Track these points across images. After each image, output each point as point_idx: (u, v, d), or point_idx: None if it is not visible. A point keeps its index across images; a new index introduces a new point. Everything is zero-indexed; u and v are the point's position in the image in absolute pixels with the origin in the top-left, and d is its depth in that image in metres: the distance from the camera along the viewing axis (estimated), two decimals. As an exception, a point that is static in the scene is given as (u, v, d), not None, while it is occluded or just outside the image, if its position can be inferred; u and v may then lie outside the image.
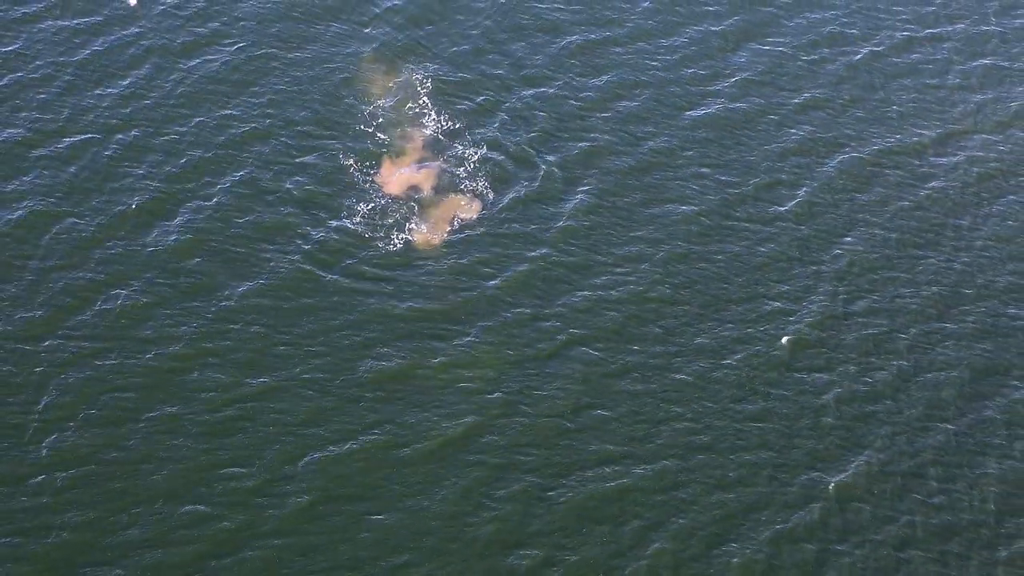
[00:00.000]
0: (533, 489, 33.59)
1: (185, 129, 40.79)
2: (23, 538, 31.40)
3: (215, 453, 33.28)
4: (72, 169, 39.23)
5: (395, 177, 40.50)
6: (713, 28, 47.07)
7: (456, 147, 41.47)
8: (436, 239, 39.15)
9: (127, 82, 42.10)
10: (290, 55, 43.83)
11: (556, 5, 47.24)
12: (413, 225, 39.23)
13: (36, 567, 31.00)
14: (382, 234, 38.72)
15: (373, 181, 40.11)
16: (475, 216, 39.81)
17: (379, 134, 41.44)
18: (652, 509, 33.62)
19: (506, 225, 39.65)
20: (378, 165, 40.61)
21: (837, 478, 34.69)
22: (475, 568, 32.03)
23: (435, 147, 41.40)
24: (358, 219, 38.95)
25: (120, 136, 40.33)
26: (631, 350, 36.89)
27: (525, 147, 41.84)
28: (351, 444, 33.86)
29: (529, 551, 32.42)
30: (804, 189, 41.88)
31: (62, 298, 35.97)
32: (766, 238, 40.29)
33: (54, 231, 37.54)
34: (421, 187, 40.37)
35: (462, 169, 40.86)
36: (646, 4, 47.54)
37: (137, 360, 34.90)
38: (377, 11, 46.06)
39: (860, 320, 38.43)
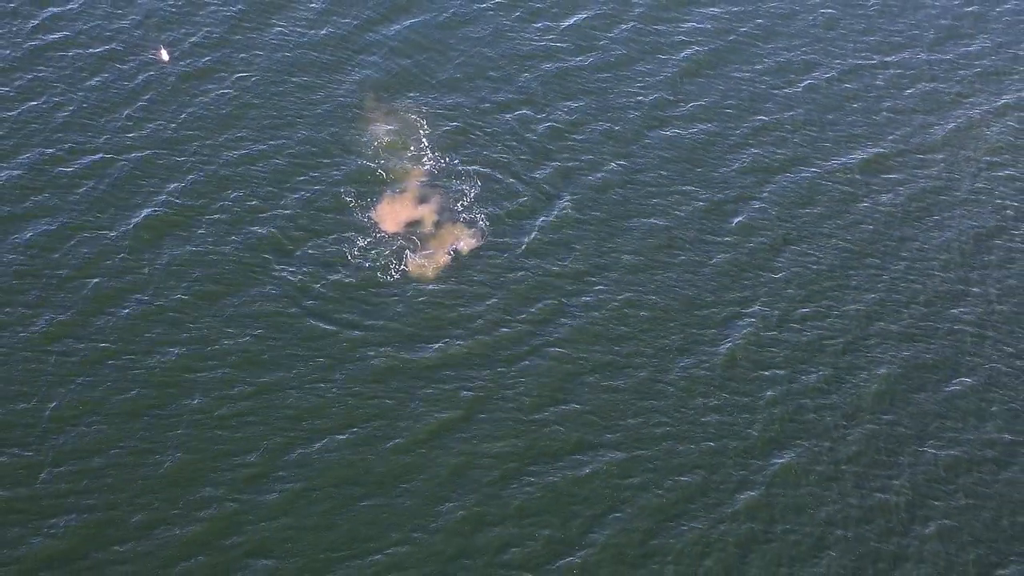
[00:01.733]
0: (508, 475, 36.93)
1: (189, 153, 43.45)
2: (48, 518, 34.31)
3: (218, 444, 36.31)
4: (88, 186, 42.30)
5: (392, 210, 42.51)
6: (679, 56, 50.33)
7: (450, 177, 43.92)
8: (431, 268, 41.25)
9: (139, 106, 44.89)
10: (294, 86, 46.41)
11: (541, 35, 50.34)
12: (409, 256, 41.38)
13: (62, 542, 33.92)
14: (379, 264, 41.10)
15: (371, 215, 42.44)
16: (469, 245, 42.08)
17: (376, 166, 43.84)
18: (617, 491, 36.76)
19: (496, 250, 42.17)
20: (376, 198, 42.87)
21: (780, 462, 38.19)
22: (452, 544, 35.38)
23: (431, 179, 43.76)
24: (356, 251, 41.32)
25: (133, 155, 43.18)
26: (598, 350, 40.06)
27: (514, 173, 44.57)
28: (338, 437, 37.17)
29: (502, 531, 35.82)
30: (756, 203, 45.10)
31: (80, 303, 39.07)
32: (721, 248, 43.56)
33: (72, 243, 40.66)
34: (416, 220, 42.36)
35: (457, 200, 43.18)
36: (623, 33, 50.91)
37: (147, 360, 38.05)
38: (374, 42, 48.66)
39: (804, 322, 41.73)
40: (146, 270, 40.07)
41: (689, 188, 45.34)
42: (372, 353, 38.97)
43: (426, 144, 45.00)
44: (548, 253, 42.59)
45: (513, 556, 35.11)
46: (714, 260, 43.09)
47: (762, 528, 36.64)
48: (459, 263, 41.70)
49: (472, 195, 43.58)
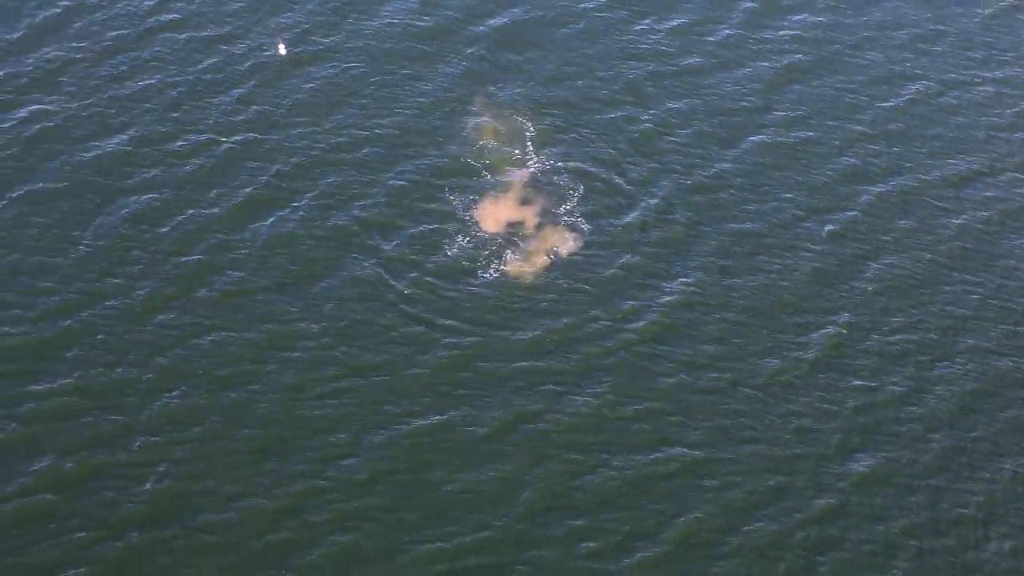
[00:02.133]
0: (588, 467, 37.56)
1: (295, 137, 44.64)
2: (141, 483, 35.58)
3: (308, 421, 37.35)
4: (195, 164, 43.64)
5: (493, 208, 43.15)
6: (781, 62, 50.64)
7: (552, 177, 44.50)
8: (529, 268, 41.83)
9: (248, 88, 46.26)
10: (400, 77, 47.41)
11: (644, 35, 50.91)
12: (507, 254, 42.04)
13: (153, 508, 35.19)
14: (477, 259, 41.82)
15: (471, 211, 43.18)
16: (570, 248, 42.65)
17: (478, 162, 44.68)
18: (696, 490, 37.29)
19: (594, 251, 42.70)
20: (477, 195, 43.64)
21: (858, 470, 38.45)
22: (528, 531, 36.06)
23: (533, 177, 44.41)
24: (455, 248, 42.05)
25: (240, 137, 44.55)
26: (685, 351, 40.55)
27: (616, 174, 45.07)
28: (424, 422, 38.03)
29: (579, 521, 36.51)
30: (850, 213, 45.33)
31: (180, 277, 40.29)
32: (813, 256, 43.79)
33: (177, 219, 41.96)
34: (517, 220, 42.89)
35: (558, 201, 43.74)
36: (726, 36, 51.38)
37: (242, 335, 39.19)
38: (481, 36, 49.60)
39: (892, 333, 41.81)
40: (245, 248, 41.21)
41: (784, 194, 45.64)
42: (462, 343, 39.78)
43: (529, 142, 45.61)
44: (644, 255, 43.08)
45: (589, 547, 35.72)
46: (805, 267, 43.36)
47: (836, 534, 36.87)
48: (557, 264, 42.25)
49: (574, 196, 44.10)
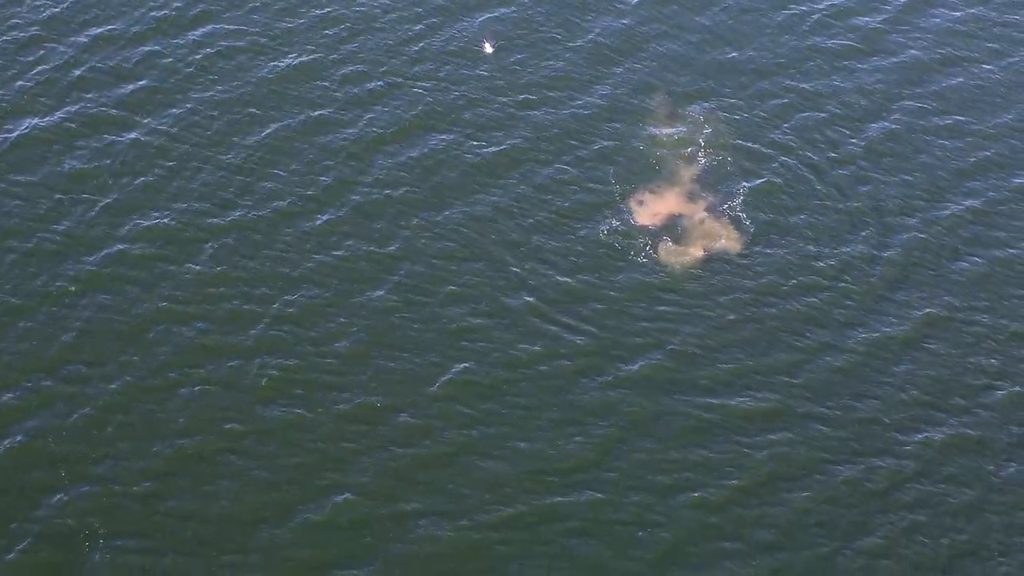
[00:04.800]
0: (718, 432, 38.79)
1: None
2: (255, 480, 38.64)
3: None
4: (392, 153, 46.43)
5: (655, 199, 44.21)
6: (985, 67, 50.79)
7: (722, 175, 45.44)
8: (682, 260, 42.72)
9: (442, 77, 48.62)
10: (586, 72, 49.31)
11: (834, 36, 51.68)
12: (662, 245, 43.10)
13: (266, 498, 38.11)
14: (632, 246, 43.08)
15: (633, 200, 44.39)
16: (729, 246, 43.47)
17: (648, 154, 45.88)
18: (819, 463, 38.55)
19: (754, 253, 43.50)
20: (642, 186, 44.77)
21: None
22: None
23: (701, 175, 45.40)
24: (607, 231, 43.43)
25: (428, 117, 47.16)
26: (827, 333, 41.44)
27: (790, 179, 45.82)
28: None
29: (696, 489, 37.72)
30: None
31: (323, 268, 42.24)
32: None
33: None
34: (679, 213, 43.87)
35: (725, 199, 44.62)
36: (915, 38, 51.56)
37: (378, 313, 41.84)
38: (662, 33, 51.06)
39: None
40: (413, 224, 43.47)
41: (958, 202, 45.51)
42: (601, 318, 41.32)
43: (703, 138, 46.66)
44: (803, 263, 43.67)
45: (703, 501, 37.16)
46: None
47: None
48: (713, 260, 43.16)
49: (741, 196, 44.89)
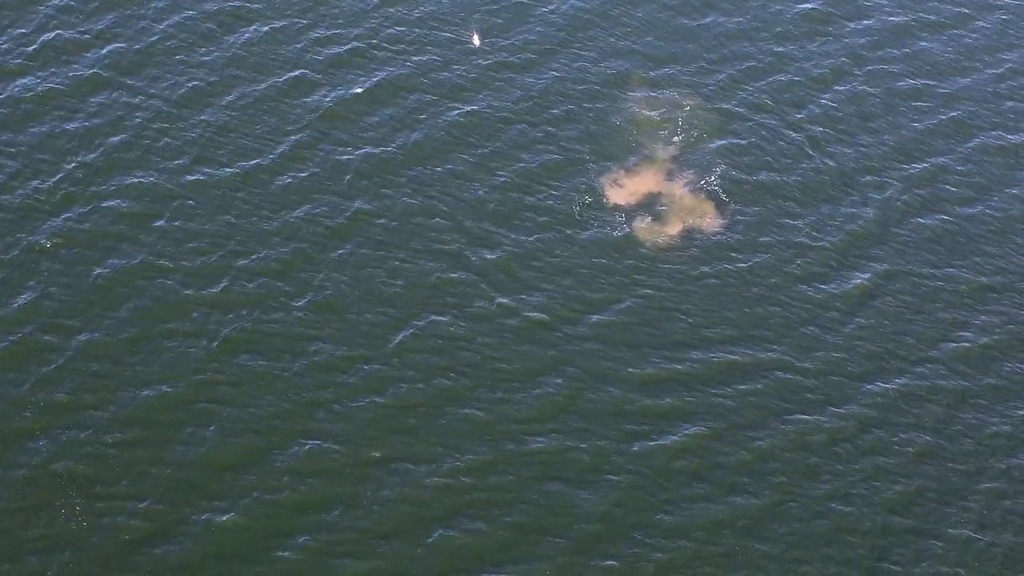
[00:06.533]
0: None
1: (457, 112, 46.88)
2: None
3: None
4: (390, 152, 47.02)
5: (633, 178, 44.55)
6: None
7: (702, 156, 45.72)
8: (659, 236, 43.11)
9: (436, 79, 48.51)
10: (563, 53, 49.31)
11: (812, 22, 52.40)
12: (639, 221, 43.53)
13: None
14: (606, 223, 43.46)
15: (608, 178, 44.70)
16: (707, 223, 43.90)
17: (627, 134, 46.12)
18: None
19: (731, 232, 43.91)
20: (619, 165, 45.09)
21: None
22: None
23: (680, 155, 45.68)
24: (583, 208, 43.67)
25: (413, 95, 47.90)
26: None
27: (770, 160, 46.23)
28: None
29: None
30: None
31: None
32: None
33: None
34: (658, 191, 44.21)
35: (704, 178, 44.99)
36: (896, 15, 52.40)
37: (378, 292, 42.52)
38: (647, 19, 51.29)
39: None
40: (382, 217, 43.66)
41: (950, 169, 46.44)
42: (568, 275, 42.13)
43: (682, 120, 46.85)
44: (783, 241, 44.19)
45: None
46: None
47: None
48: (691, 237, 43.61)
49: (718, 176, 45.23)
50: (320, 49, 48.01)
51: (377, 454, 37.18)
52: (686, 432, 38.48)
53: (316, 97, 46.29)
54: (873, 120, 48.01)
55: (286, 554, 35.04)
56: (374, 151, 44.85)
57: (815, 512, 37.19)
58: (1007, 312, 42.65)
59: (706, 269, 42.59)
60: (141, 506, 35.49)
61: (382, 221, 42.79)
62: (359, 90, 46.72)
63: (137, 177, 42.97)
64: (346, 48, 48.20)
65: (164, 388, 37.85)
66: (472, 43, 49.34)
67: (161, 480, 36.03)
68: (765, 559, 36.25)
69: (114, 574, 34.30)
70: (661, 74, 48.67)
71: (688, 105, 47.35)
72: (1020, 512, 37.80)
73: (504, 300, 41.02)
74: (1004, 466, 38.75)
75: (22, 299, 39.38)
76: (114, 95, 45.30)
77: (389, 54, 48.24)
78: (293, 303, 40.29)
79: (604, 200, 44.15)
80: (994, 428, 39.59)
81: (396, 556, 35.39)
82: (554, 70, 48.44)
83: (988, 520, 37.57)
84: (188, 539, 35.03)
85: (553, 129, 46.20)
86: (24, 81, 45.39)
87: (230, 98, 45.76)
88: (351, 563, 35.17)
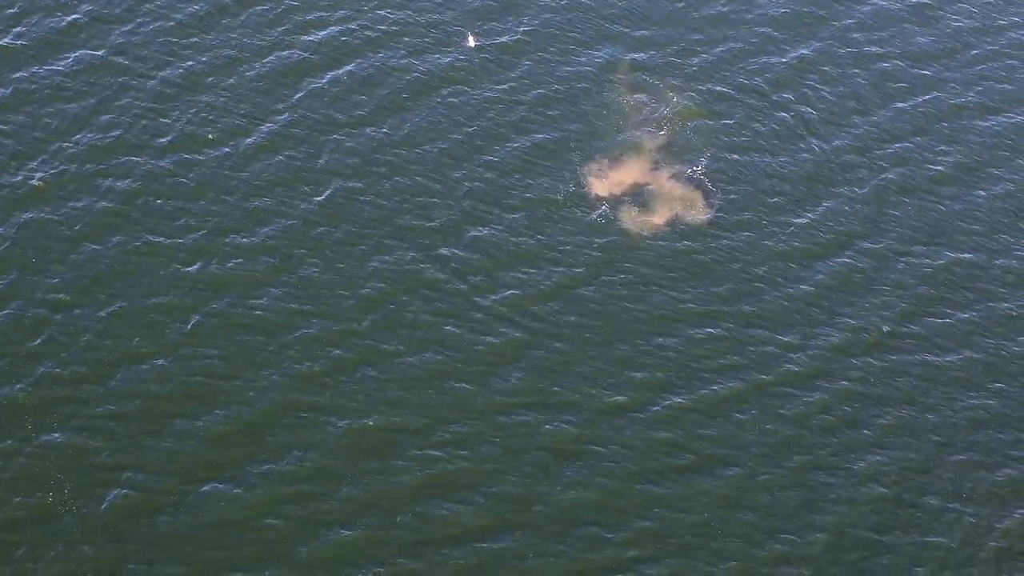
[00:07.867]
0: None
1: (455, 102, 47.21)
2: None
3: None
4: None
5: (620, 167, 44.79)
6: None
7: (689, 147, 46.04)
8: (644, 225, 43.45)
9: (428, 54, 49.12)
10: (550, 46, 49.54)
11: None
12: (624, 210, 43.85)
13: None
14: (592, 211, 43.83)
15: (594, 167, 45.01)
16: (693, 213, 44.26)
17: (615, 125, 46.44)
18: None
19: (718, 224, 44.25)
20: (606, 154, 45.37)
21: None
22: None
23: (668, 145, 45.99)
24: (568, 195, 44.02)
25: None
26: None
27: (757, 150, 46.66)
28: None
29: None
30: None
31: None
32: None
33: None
34: (644, 181, 44.48)
35: (690, 169, 45.35)
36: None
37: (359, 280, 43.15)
38: (632, 11, 51.44)
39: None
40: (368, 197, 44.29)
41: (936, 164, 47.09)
42: (554, 253, 42.77)
43: (669, 111, 47.14)
44: (768, 221, 44.80)
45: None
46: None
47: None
48: (676, 226, 44.02)
49: (705, 167, 45.59)
50: (311, 30, 48.56)
51: (367, 424, 37.85)
52: (667, 404, 39.19)
53: (305, 78, 46.86)
54: (860, 101, 48.66)
55: (276, 522, 35.75)
56: (362, 131, 45.42)
57: (792, 482, 37.95)
58: (985, 289, 43.40)
59: (689, 245, 43.26)
60: (131, 478, 36.14)
61: (368, 199, 43.38)
62: (348, 71, 47.29)
63: (128, 156, 43.53)
64: (336, 30, 48.76)
65: (154, 362, 38.49)
66: (467, 44, 49.69)
67: (151, 452, 36.68)
68: (743, 526, 37.01)
69: (105, 544, 34.95)
70: (649, 58, 49.20)
71: (675, 89, 47.86)
72: (992, 482, 38.60)
73: (489, 278, 41.64)
74: (977, 439, 39.53)
75: (13, 275, 39.99)
76: (104, 75, 45.81)
77: (378, 36, 48.77)
78: (282, 279, 40.94)
79: (588, 186, 44.67)
80: (968, 401, 40.36)
81: (384, 525, 36.12)
82: (542, 53, 48.94)
83: (960, 490, 38.35)
84: (179, 510, 35.72)
85: (540, 112, 46.72)
86: (15, 62, 45.88)
87: (220, 78, 46.32)
88: (340, 532, 35.90)
